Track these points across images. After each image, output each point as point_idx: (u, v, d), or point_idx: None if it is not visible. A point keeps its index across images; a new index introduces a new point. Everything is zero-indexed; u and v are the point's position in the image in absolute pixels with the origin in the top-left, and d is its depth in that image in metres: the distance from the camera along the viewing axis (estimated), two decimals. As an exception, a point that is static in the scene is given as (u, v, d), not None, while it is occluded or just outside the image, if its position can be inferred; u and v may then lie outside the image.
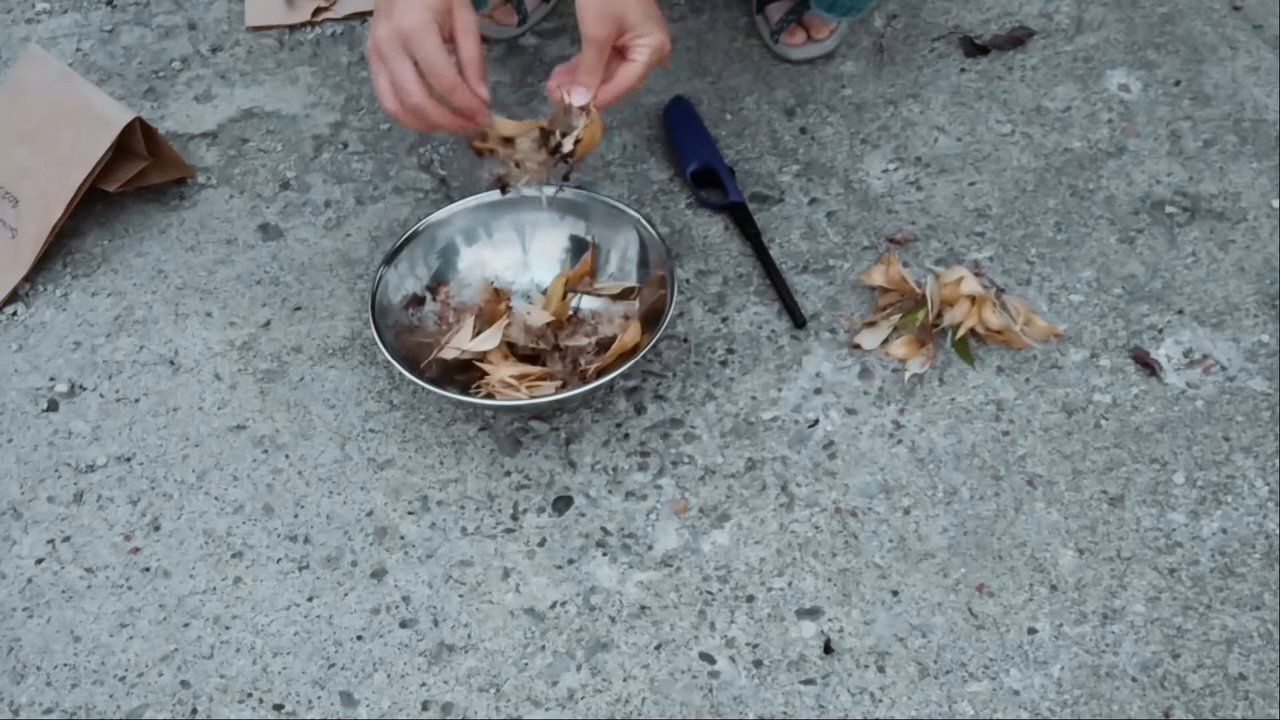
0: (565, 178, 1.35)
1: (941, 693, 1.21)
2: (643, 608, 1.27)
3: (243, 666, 1.26)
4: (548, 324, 1.38)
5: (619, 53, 1.24)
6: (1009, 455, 1.36)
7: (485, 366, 1.36)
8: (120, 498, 1.38)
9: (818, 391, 1.42)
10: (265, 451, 1.40)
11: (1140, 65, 1.71)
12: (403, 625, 1.27)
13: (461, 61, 1.20)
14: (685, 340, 1.47)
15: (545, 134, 1.30)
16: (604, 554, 1.31)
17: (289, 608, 1.29)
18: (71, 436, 1.43)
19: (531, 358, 1.38)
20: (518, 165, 1.33)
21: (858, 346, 1.45)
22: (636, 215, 1.42)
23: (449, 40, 1.20)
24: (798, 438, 1.38)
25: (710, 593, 1.28)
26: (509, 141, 1.31)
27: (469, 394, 1.34)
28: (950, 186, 1.59)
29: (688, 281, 1.51)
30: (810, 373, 1.43)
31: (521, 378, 1.35)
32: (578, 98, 1.25)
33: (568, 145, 1.29)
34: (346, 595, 1.30)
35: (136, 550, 1.34)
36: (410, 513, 1.35)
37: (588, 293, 1.42)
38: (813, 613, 1.27)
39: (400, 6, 1.16)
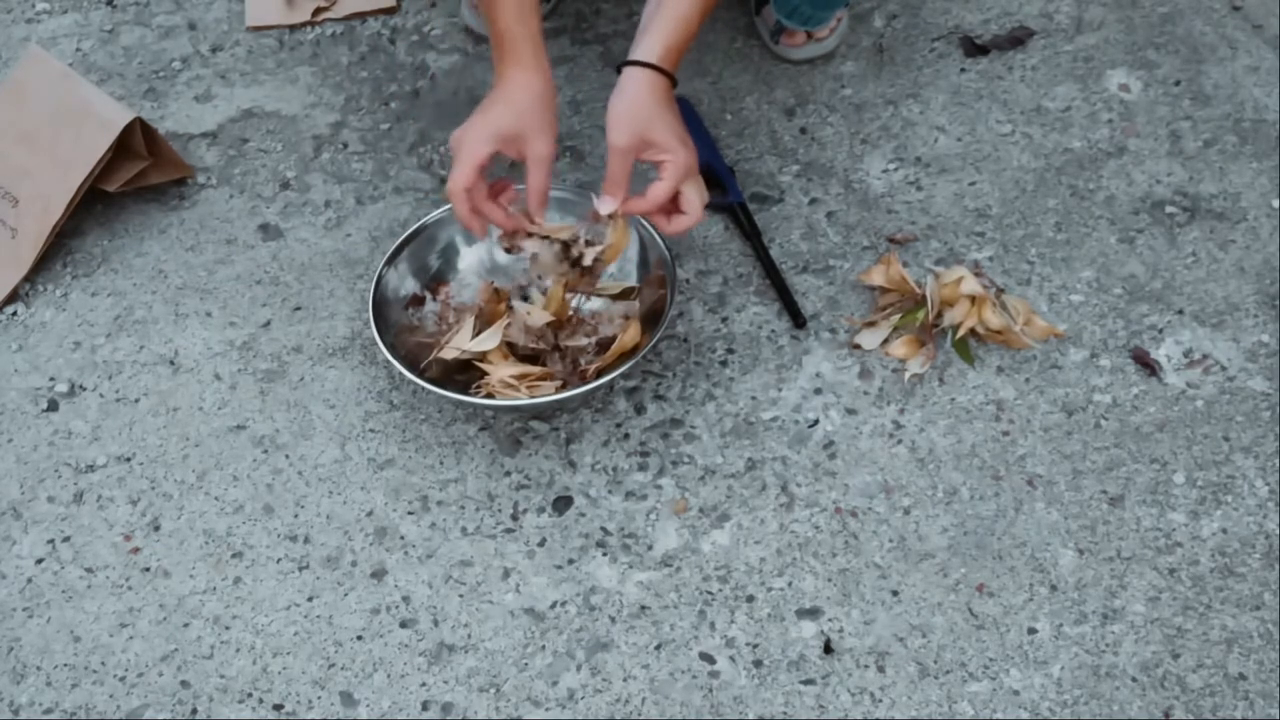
0: (588, 290, 1.37)
1: (941, 693, 1.21)
2: (643, 608, 1.27)
3: (243, 666, 1.26)
4: (548, 324, 1.38)
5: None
6: (1009, 455, 1.36)
7: (485, 366, 1.36)
8: (120, 498, 1.38)
9: (818, 391, 1.42)
10: (265, 451, 1.40)
11: (1140, 65, 1.71)
12: (403, 625, 1.27)
13: (528, 189, 1.29)
14: (685, 340, 1.47)
15: (566, 246, 1.32)
16: (604, 554, 1.31)
17: (289, 608, 1.29)
18: (71, 436, 1.43)
19: (531, 358, 1.38)
20: (539, 276, 1.38)
21: (858, 346, 1.45)
22: (637, 215, 1.42)
23: (522, 160, 1.28)
24: (798, 438, 1.38)
25: (710, 593, 1.28)
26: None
27: (469, 394, 1.34)
28: (950, 186, 1.59)
29: (688, 281, 1.51)
30: (810, 373, 1.43)
31: (521, 378, 1.35)
32: (604, 206, 1.29)
33: (589, 259, 1.33)
34: (346, 595, 1.30)
35: (136, 550, 1.34)
36: (410, 513, 1.35)
37: (588, 293, 1.42)
38: (813, 613, 1.27)
39: (458, 159, 1.27)
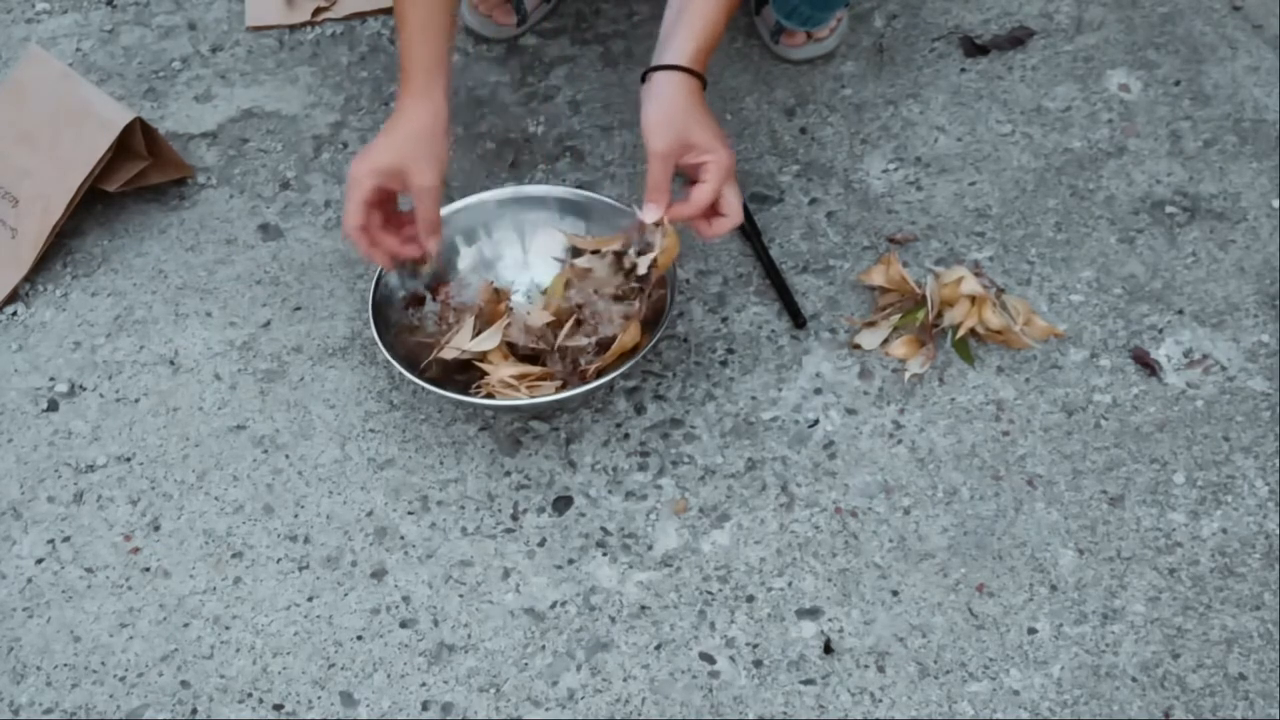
0: (647, 295, 1.36)
1: (941, 693, 1.21)
2: (643, 608, 1.27)
3: (243, 666, 1.26)
4: (548, 324, 1.38)
5: (691, 173, 1.28)
6: (1009, 455, 1.36)
7: (485, 366, 1.36)
8: (120, 498, 1.38)
9: (818, 391, 1.42)
10: (265, 451, 1.40)
11: (1140, 65, 1.71)
12: (403, 625, 1.27)
13: (416, 219, 1.31)
14: (685, 340, 1.47)
15: (619, 256, 1.32)
16: (604, 554, 1.31)
17: (289, 608, 1.29)
18: (71, 436, 1.43)
19: (531, 358, 1.38)
20: (595, 291, 1.36)
21: (858, 346, 1.45)
22: (637, 215, 1.42)
23: (408, 193, 1.30)
24: (798, 438, 1.38)
25: (710, 593, 1.28)
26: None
27: (469, 394, 1.34)
28: (950, 186, 1.59)
29: (688, 281, 1.51)
30: (810, 373, 1.43)
31: (521, 378, 1.35)
32: (649, 214, 1.28)
33: (643, 267, 1.31)
34: (346, 595, 1.30)
35: (136, 550, 1.34)
36: (410, 513, 1.35)
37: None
38: (813, 613, 1.27)
39: (346, 198, 1.30)
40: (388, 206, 1.33)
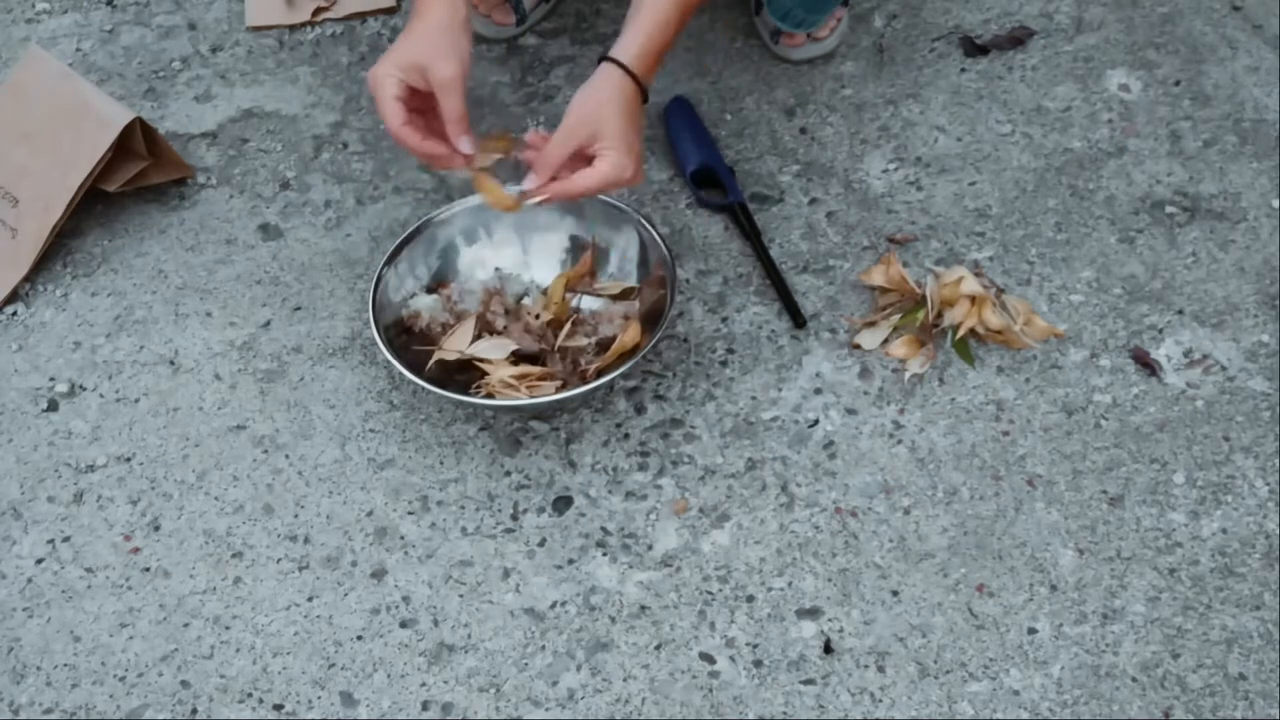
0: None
1: (941, 693, 1.21)
2: (643, 608, 1.28)
3: (243, 666, 1.26)
4: (548, 324, 1.38)
5: (587, 161, 1.28)
6: (1009, 455, 1.36)
7: (485, 366, 1.36)
8: (120, 498, 1.38)
9: (818, 391, 1.42)
10: (265, 451, 1.40)
11: (1140, 65, 1.71)
12: (403, 625, 1.27)
13: (442, 116, 1.28)
14: (685, 340, 1.47)
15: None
16: (604, 554, 1.31)
17: (289, 608, 1.29)
18: (71, 436, 1.43)
19: (531, 358, 1.39)
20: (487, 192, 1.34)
21: (858, 346, 1.45)
22: (636, 215, 1.42)
23: (430, 89, 1.27)
24: (798, 438, 1.38)
25: (710, 593, 1.28)
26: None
27: (469, 394, 1.34)
28: (950, 186, 1.59)
29: (688, 281, 1.51)
30: (810, 373, 1.43)
31: (521, 378, 1.35)
32: (526, 183, 1.29)
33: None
34: (346, 595, 1.30)
35: (136, 550, 1.34)
36: (410, 513, 1.35)
37: (588, 293, 1.42)
38: (813, 613, 1.27)
39: (376, 101, 1.27)
40: (428, 116, 1.29)
